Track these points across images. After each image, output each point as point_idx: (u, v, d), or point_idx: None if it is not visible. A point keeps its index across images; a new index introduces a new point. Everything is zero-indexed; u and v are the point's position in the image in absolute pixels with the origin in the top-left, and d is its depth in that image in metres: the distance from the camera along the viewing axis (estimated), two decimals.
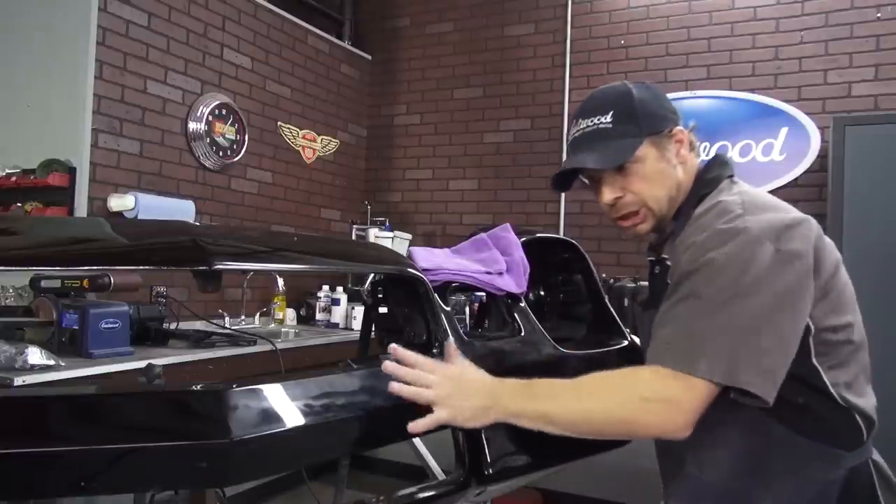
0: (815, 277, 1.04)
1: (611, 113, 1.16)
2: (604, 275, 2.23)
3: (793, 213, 1.09)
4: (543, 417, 1.06)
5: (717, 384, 0.99)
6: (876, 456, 1.12)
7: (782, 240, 1.02)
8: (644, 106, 1.17)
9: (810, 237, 1.05)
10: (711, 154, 3.47)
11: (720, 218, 1.08)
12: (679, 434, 1.02)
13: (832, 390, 1.05)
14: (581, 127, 1.19)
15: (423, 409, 1.07)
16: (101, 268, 1.98)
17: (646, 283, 1.42)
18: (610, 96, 1.19)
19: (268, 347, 2.22)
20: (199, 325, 2.69)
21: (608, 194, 1.18)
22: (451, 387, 1.07)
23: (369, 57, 4.55)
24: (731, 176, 1.19)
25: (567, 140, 1.24)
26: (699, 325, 1.02)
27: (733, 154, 3.50)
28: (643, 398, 1.02)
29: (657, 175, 1.16)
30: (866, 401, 1.10)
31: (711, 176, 1.19)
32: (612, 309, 1.96)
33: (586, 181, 1.25)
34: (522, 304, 1.66)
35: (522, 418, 1.07)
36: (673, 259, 1.14)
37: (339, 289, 3.65)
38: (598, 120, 1.17)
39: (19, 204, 2.77)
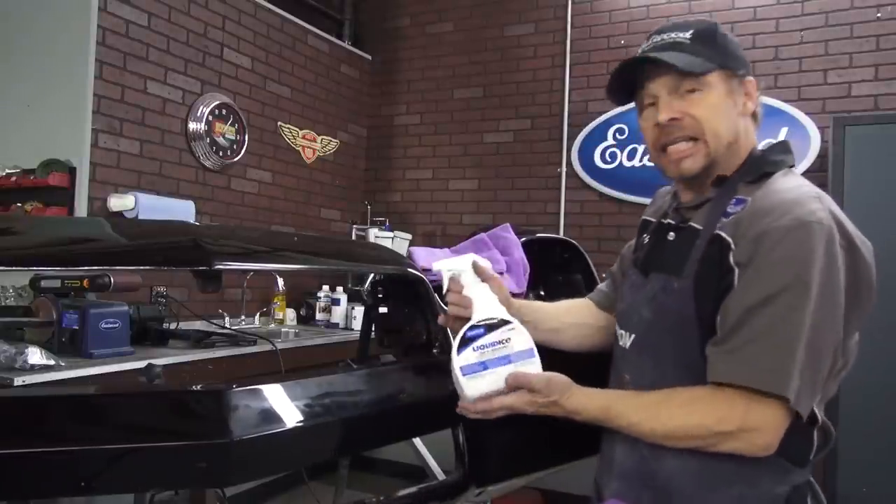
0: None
1: (691, 31, 1.05)
2: (604, 275, 2.22)
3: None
4: (613, 412, 1.03)
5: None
6: (811, 478, 1.06)
7: (853, 245, 0.97)
8: (726, 41, 1.07)
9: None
10: None
11: (804, 206, 0.96)
12: (766, 452, 0.96)
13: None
14: (654, 41, 1.08)
15: (423, 409, 1.06)
16: (101, 268, 1.98)
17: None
18: (693, 20, 1.09)
19: (268, 347, 2.22)
20: (199, 325, 2.69)
21: (665, 113, 1.04)
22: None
23: (369, 57, 4.55)
24: (791, 166, 1.08)
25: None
26: (790, 339, 0.92)
27: None
28: (721, 433, 0.96)
29: (723, 109, 1.04)
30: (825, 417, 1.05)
31: (776, 158, 1.07)
32: None
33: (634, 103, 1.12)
34: None
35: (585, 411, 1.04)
36: (727, 232, 1.00)
37: (339, 289, 3.66)
38: (676, 35, 1.06)
39: (19, 204, 2.77)
